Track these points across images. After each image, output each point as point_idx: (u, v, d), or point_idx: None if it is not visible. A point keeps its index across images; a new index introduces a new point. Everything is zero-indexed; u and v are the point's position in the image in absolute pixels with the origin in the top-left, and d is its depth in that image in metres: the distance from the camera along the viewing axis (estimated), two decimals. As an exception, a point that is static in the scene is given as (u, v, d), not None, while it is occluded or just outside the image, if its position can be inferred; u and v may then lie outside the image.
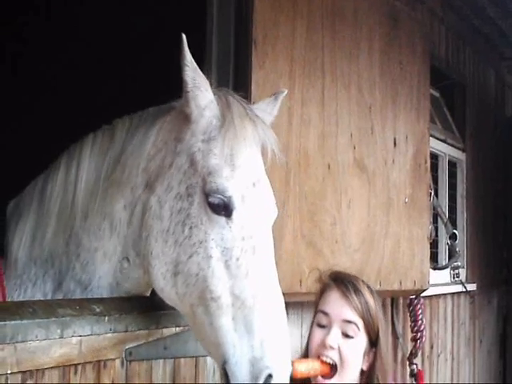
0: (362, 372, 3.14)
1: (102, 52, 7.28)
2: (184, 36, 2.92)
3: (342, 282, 3.20)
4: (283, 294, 4.24)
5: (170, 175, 3.03)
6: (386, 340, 3.24)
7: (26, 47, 7.86)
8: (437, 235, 7.63)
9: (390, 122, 5.69)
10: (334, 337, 3.06)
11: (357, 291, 3.15)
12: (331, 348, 3.04)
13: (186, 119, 3.06)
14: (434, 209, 6.66)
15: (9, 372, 2.62)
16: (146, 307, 3.32)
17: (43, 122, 7.37)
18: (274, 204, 3.12)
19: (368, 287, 3.23)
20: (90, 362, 3.00)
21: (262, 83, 4.25)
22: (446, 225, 6.95)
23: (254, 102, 4.06)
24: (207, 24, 4.35)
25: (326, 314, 3.12)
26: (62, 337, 2.84)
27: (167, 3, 6.13)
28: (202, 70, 3.03)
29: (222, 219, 2.89)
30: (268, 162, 3.12)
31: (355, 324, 3.09)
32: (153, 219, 3.02)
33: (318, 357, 3.05)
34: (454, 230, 6.93)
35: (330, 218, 4.87)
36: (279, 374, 2.73)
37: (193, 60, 2.96)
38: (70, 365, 2.90)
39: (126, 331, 3.17)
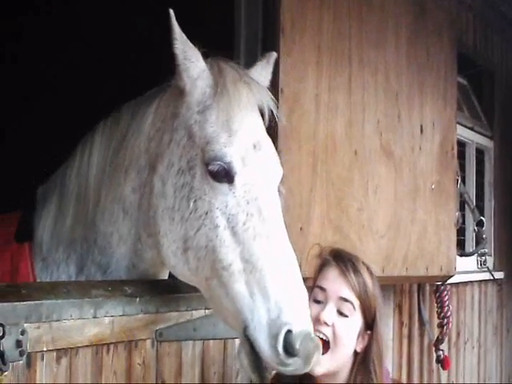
0: (356, 354, 3.12)
1: (102, 51, 7.24)
2: (172, 11, 2.93)
3: (342, 260, 3.17)
4: (311, 278, 4.31)
5: (170, 152, 3.03)
6: (383, 324, 3.20)
7: (25, 47, 7.83)
8: (464, 222, 7.63)
9: (416, 109, 5.71)
10: (329, 313, 3.04)
11: (356, 271, 3.12)
12: (325, 324, 3.02)
13: (180, 94, 3.07)
14: (461, 196, 6.68)
15: (44, 349, 2.69)
16: (175, 289, 3.37)
17: (43, 121, 7.35)
18: (277, 164, 3.10)
19: (368, 269, 3.20)
20: (122, 342, 3.06)
21: (289, 71, 4.29)
22: (473, 211, 6.97)
23: (281, 89, 4.13)
24: (235, 12, 4.39)
25: (323, 289, 3.11)
26: (95, 316, 2.90)
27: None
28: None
29: (225, 186, 2.87)
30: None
31: (351, 303, 3.07)
32: (157, 198, 3.03)
33: None
34: (481, 217, 6.93)
35: (356, 203, 4.90)
36: (299, 327, 2.69)
37: (182, 33, 2.98)
38: (103, 344, 2.97)
39: (157, 312, 3.23)
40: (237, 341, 3.66)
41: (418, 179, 5.66)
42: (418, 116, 5.72)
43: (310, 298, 2.97)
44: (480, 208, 8.37)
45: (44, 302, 2.70)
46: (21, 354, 2.57)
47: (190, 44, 3.03)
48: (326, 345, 2.99)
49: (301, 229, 4.30)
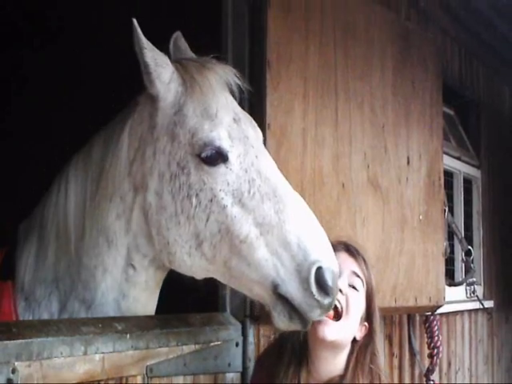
0: (354, 341, 3.21)
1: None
2: (135, 20, 2.99)
3: (351, 248, 3.33)
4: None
5: (157, 163, 3.08)
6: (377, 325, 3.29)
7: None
8: (453, 252, 7.66)
9: (403, 140, 5.73)
10: (344, 282, 3.13)
11: (365, 262, 3.30)
12: (341, 292, 3.08)
13: (151, 104, 3.15)
14: (449, 226, 6.70)
15: (35, 388, 2.67)
16: (165, 325, 3.38)
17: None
18: (256, 126, 3.26)
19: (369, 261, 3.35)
20: (113, 379, 3.06)
21: (276, 104, 4.32)
22: (460, 241, 6.99)
23: (268, 124, 4.15)
24: (222, 46, 4.42)
25: None
26: (85, 354, 2.91)
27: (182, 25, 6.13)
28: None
29: (221, 167, 2.98)
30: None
31: (361, 279, 3.21)
32: (157, 214, 3.07)
33: None
34: (469, 247, 6.95)
35: (345, 235, 4.91)
36: (327, 261, 2.83)
37: (148, 41, 3.04)
38: (94, 381, 2.96)
39: (147, 348, 3.24)
40: (227, 374, 3.69)
41: (405, 210, 5.67)
42: (404, 147, 5.75)
43: None
44: (469, 237, 8.41)
45: (34, 340, 2.70)
46: (12, 392, 2.55)
47: (158, 50, 3.11)
48: (339, 313, 3.10)
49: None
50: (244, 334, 4.12)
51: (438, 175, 6.29)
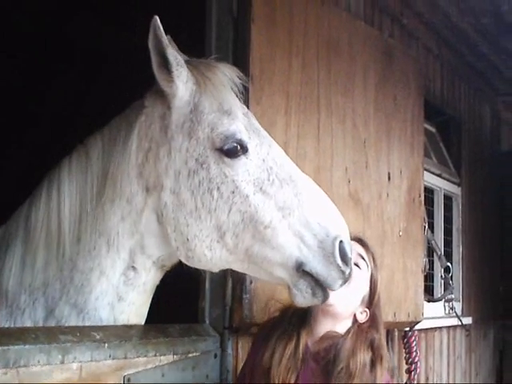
0: (356, 322, 3.46)
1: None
2: (157, 18, 3.06)
3: (363, 242, 3.61)
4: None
5: (172, 162, 3.16)
6: (380, 310, 3.57)
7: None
8: (432, 268, 7.70)
9: (384, 156, 5.77)
10: (353, 253, 3.29)
11: (373, 255, 3.57)
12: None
13: (163, 104, 3.23)
14: (429, 242, 6.73)
15: (11, 395, 2.66)
16: (144, 335, 3.38)
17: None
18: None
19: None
20: (90, 388, 3.04)
21: (258, 119, 4.30)
22: (440, 258, 7.01)
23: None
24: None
25: None
26: (63, 362, 2.90)
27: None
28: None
29: (242, 158, 3.13)
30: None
31: (366, 261, 3.48)
32: (173, 212, 3.15)
33: None
34: (448, 263, 6.98)
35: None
36: (346, 235, 3.13)
37: (171, 39, 3.19)
38: (71, 390, 2.94)
39: (125, 358, 3.23)
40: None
41: (385, 226, 5.70)
42: (385, 163, 5.79)
43: None
44: (448, 254, 8.45)
45: (11, 348, 2.69)
46: (-13, 399, 2.56)
47: (178, 50, 3.24)
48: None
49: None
50: (223, 346, 4.14)
51: (418, 192, 6.33)
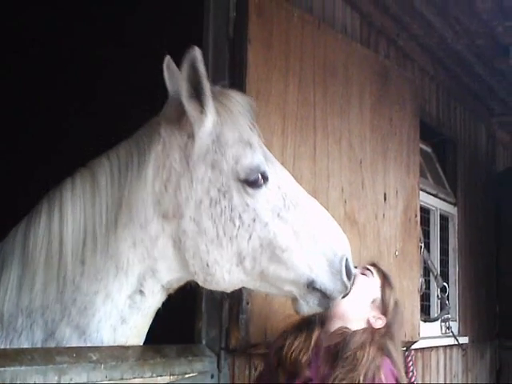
0: (369, 324, 3.66)
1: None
2: (198, 49, 3.13)
3: (380, 266, 3.93)
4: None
5: (194, 192, 3.18)
6: (398, 325, 3.78)
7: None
8: (429, 288, 7.72)
9: (380, 176, 5.80)
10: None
11: (385, 273, 3.87)
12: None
13: (182, 134, 3.25)
14: (425, 262, 6.74)
15: (8, 417, 2.65)
16: (141, 356, 3.38)
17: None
18: None
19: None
20: (86, 409, 3.03)
21: (255, 139, 4.36)
22: (436, 278, 7.03)
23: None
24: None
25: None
26: (59, 383, 2.89)
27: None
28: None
29: (263, 187, 3.22)
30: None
31: (371, 271, 3.81)
32: (193, 239, 3.18)
33: None
34: (444, 283, 7.00)
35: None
36: (349, 253, 3.35)
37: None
38: (67, 411, 2.93)
39: (122, 379, 3.23)
40: None
41: (381, 246, 5.72)
42: (381, 183, 5.81)
43: None
44: (444, 274, 8.47)
45: (7, 369, 2.68)
46: (-16, 421, 2.56)
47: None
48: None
49: (266, 295, 4.33)
50: (219, 366, 4.14)
51: (414, 212, 6.35)
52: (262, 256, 3.21)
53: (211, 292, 4.14)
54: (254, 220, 3.19)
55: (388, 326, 3.69)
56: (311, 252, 3.26)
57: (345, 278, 3.30)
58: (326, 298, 3.33)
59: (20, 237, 3.33)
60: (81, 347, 3.15)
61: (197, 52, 3.10)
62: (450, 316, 7.19)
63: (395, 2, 6.72)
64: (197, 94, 3.18)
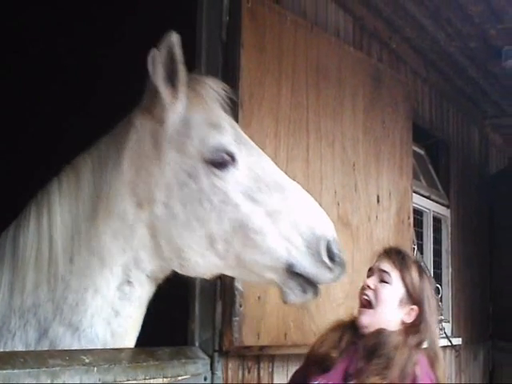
0: (403, 323, 3.63)
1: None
2: (174, 34, 3.16)
3: (392, 250, 3.85)
4: (269, 346, 4.36)
5: (163, 176, 3.21)
6: (430, 309, 3.70)
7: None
8: (422, 290, 7.72)
9: (373, 178, 5.81)
10: (372, 280, 3.66)
11: (399, 253, 3.79)
12: (369, 287, 3.64)
13: (154, 120, 3.28)
14: (418, 264, 6.75)
15: (0, 420, 2.66)
16: (134, 358, 3.38)
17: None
18: None
19: (416, 262, 3.88)
20: (79, 412, 3.03)
21: (248, 142, 4.37)
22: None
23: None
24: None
25: (370, 269, 3.76)
26: (51, 386, 2.88)
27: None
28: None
29: (231, 168, 3.21)
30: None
31: (388, 273, 3.66)
32: (166, 224, 3.20)
33: (360, 296, 3.68)
34: (437, 285, 7.01)
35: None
36: (331, 234, 3.26)
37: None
38: (60, 414, 2.93)
39: (115, 382, 3.23)
40: None
41: (374, 248, 5.67)
42: (374, 185, 5.83)
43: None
44: (438, 275, 8.49)
45: (0, 372, 2.67)
46: (-24, 424, 2.55)
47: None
48: (370, 304, 3.62)
49: (258, 298, 4.35)
50: (212, 369, 4.15)
51: (407, 214, 6.36)
52: (234, 239, 3.18)
53: (204, 294, 4.17)
54: (224, 202, 3.17)
55: (421, 315, 3.64)
56: (288, 234, 3.19)
57: (325, 259, 3.20)
58: (310, 284, 3.25)
59: (10, 240, 3.35)
60: (73, 350, 3.16)
61: (174, 37, 3.14)
62: (443, 317, 7.21)
63: (388, 6, 6.73)
64: (171, 80, 3.22)
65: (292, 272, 3.21)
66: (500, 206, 10.06)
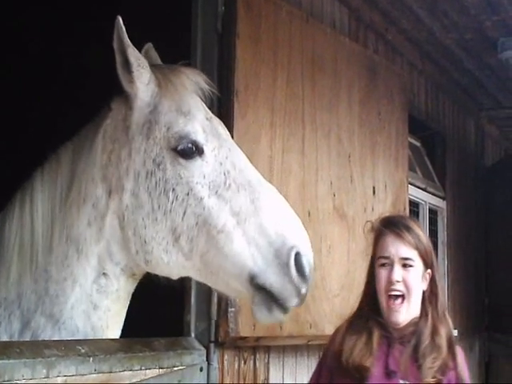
0: (423, 294, 3.46)
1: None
2: (120, 18, 3.08)
3: (394, 224, 3.49)
4: (265, 337, 4.36)
5: (132, 163, 3.16)
6: (437, 269, 3.57)
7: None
8: (417, 281, 7.73)
9: (368, 170, 5.82)
10: (398, 272, 3.36)
11: (408, 229, 3.44)
12: (397, 282, 3.34)
13: (126, 106, 3.24)
14: (413, 255, 6.76)
15: (-5, 410, 2.66)
16: (130, 349, 3.38)
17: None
18: (225, 128, 3.38)
19: (415, 222, 3.61)
20: (75, 402, 3.03)
21: (243, 133, 4.37)
22: (425, 271, 7.05)
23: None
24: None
25: (386, 257, 3.39)
26: (47, 377, 2.88)
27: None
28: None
29: (198, 160, 3.10)
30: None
31: (411, 258, 3.39)
32: (133, 214, 3.13)
33: (387, 293, 3.36)
34: (433, 277, 7.02)
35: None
36: (305, 248, 2.97)
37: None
38: (56, 404, 2.93)
39: (111, 372, 3.23)
40: None
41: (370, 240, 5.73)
42: (370, 177, 5.83)
43: (376, 267, 3.44)
44: (433, 267, 8.48)
45: (-4, 362, 2.67)
46: (-29, 414, 2.55)
47: (139, 52, 3.22)
48: (402, 298, 3.37)
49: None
50: (208, 359, 4.15)
51: (403, 205, 6.37)
52: (198, 236, 3.04)
53: (200, 285, 4.16)
54: (188, 194, 3.06)
55: (433, 277, 3.48)
56: (255, 239, 2.98)
57: (294, 273, 2.92)
58: (274, 301, 2.97)
59: None
60: (69, 340, 3.15)
61: (117, 22, 3.08)
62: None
63: (384, -3, 6.74)
64: (127, 65, 3.18)
65: (256, 285, 2.97)
66: (496, 197, 10.06)
